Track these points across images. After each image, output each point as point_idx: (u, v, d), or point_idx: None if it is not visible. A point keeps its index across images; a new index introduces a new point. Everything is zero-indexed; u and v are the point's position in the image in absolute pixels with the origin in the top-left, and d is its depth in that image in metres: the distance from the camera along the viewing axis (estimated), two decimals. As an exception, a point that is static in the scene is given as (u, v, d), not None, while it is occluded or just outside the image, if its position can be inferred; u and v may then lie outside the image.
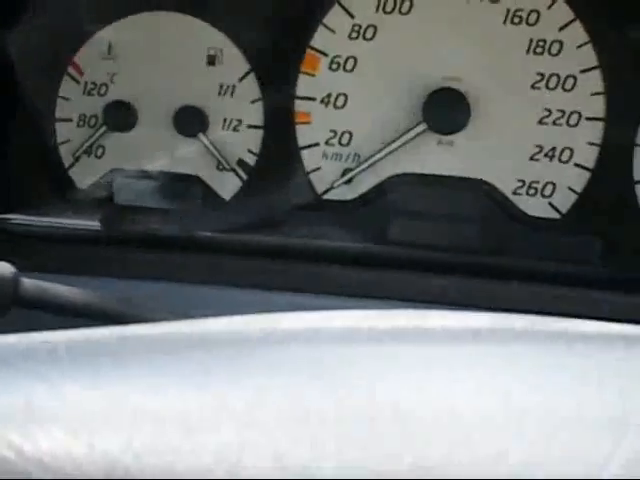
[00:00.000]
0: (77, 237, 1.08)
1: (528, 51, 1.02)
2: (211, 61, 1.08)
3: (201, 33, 1.08)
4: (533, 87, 1.02)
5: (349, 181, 1.07)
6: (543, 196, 1.03)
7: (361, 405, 0.32)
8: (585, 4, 1.00)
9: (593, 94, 1.01)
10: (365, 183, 1.07)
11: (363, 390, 0.33)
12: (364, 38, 1.05)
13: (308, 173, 1.08)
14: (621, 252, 1.01)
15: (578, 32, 1.00)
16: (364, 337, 0.38)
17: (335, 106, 1.07)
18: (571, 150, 1.02)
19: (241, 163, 1.09)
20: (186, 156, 1.09)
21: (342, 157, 1.07)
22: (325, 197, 1.08)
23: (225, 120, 1.09)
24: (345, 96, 1.06)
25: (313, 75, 1.07)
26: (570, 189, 1.03)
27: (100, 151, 1.12)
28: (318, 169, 1.08)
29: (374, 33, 1.05)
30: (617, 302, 0.95)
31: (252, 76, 1.08)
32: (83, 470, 0.31)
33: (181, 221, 1.08)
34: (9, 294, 0.74)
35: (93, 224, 1.09)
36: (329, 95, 1.07)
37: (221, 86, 1.09)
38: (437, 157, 1.05)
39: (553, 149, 1.03)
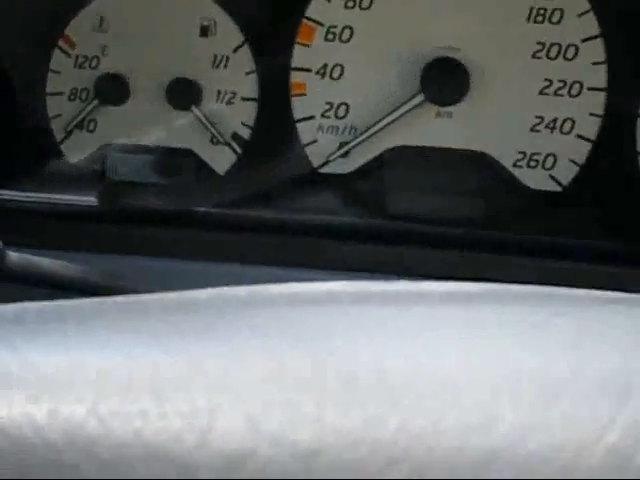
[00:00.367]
0: (69, 213, 1.07)
1: (528, 20, 1.00)
2: (204, 32, 1.06)
3: (194, 3, 1.06)
4: (533, 57, 1.00)
5: (346, 154, 1.05)
6: (544, 168, 1.02)
7: (343, 367, 0.30)
8: (587, -29, 0.98)
9: (595, 63, 0.99)
10: (362, 156, 1.04)
11: (345, 352, 0.31)
12: (360, 7, 1.03)
13: (304, 146, 1.06)
14: (624, 225, 1.00)
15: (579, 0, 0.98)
16: (348, 299, 0.36)
17: (331, 77, 1.04)
18: (573, 121, 1.01)
19: (235, 137, 1.07)
20: (179, 130, 1.07)
21: (338, 130, 1.05)
22: (321, 171, 1.06)
23: (219, 92, 1.07)
24: (341, 67, 1.04)
25: (308, 46, 1.04)
26: (572, 161, 1.01)
27: (92, 125, 1.10)
28: (314, 142, 1.06)
29: (371, 2, 1.02)
30: (619, 275, 0.93)
31: (246, 47, 1.06)
32: (44, 436, 0.29)
33: (175, 196, 1.06)
34: (-6, 267, 0.72)
35: (85, 199, 1.08)
36: (325, 66, 1.05)
37: (215, 57, 1.07)
38: (435, 129, 1.02)
39: (554, 120, 1.01)
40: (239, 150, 1.07)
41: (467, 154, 1.02)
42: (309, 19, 1.04)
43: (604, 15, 0.98)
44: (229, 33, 1.06)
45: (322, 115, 1.05)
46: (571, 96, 1.00)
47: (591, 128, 1.00)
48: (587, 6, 0.98)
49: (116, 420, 0.29)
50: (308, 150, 1.06)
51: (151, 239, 1.02)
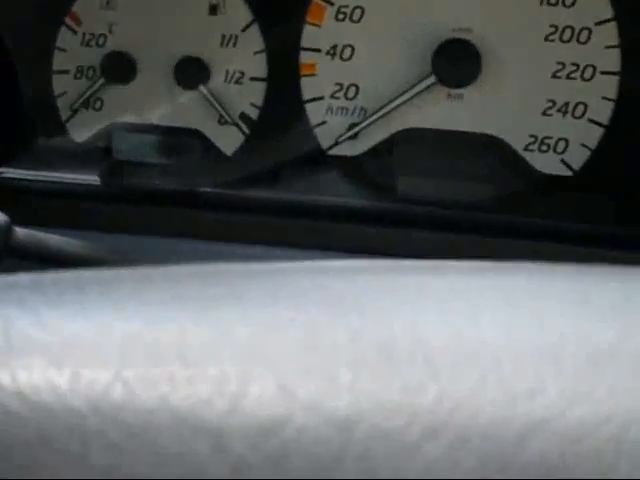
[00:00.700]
0: (75, 191, 1.05)
1: (542, 2, 0.99)
2: (213, 10, 1.05)
3: (203, -19, 1.05)
4: (546, 39, 0.99)
5: (355, 136, 1.03)
6: (555, 152, 1.00)
7: (378, 334, 0.29)
8: (601, -47, 0.97)
9: (608, 47, 0.98)
10: (372, 138, 1.03)
11: (380, 319, 0.30)
12: (372, -14, 1.01)
13: (313, 127, 1.05)
14: (635, 210, 0.99)
15: (593, -18, 0.97)
16: (383, 269, 0.35)
17: (341, 58, 1.03)
18: (585, 105, 0.99)
19: (243, 117, 1.06)
20: (187, 109, 1.06)
21: (348, 111, 1.04)
22: (330, 152, 1.04)
23: (227, 72, 1.06)
24: (352, 47, 1.03)
25: (319, 25, 1.03)
26: (583, 145, 1.00)
27: (98, 104, 1.09)
28: (323, 123, 1.05)
29: (382, -18, 1.01)
30: (632, 260, 0.92)
31: (255, 26, 1.05)
32: (67, 402, 0.28)
33: (181, 176, 1.05)
34: (1, 243, 0.71)
35: (91, 178, 1.06)
36: (335, 46, 1.03)
37: (223, 36, 1.05)
38: (446, 111, 1.01)
39: (566, 104, 1.00)
40: (247, 130, 1.06)
41: (478, 137, 1.01)
42: (319, -2, 1.02)
43: (618, -2, 0.97)
44: (238, 12, 1.05)
45: (332, 96, 1.04)
46: (584, 80, 0.99)
47: (603, 112, 0.99)
48: (601, -12, 0.97)
49: (142, 386, 0.28)
50: (317, 131, 1.05)
51: (157, 219, 1.01)
